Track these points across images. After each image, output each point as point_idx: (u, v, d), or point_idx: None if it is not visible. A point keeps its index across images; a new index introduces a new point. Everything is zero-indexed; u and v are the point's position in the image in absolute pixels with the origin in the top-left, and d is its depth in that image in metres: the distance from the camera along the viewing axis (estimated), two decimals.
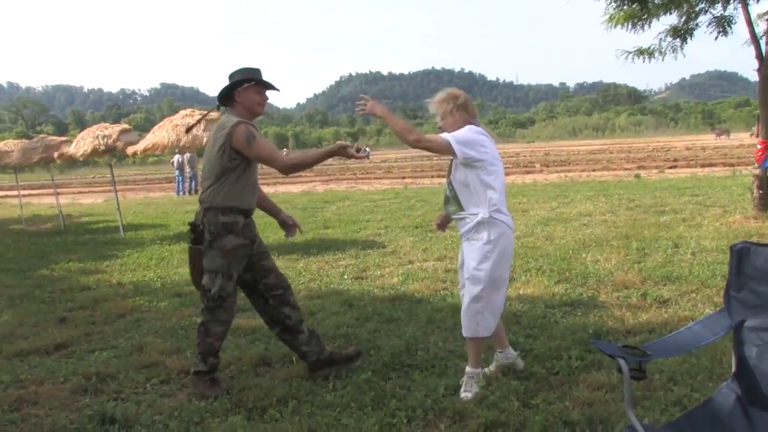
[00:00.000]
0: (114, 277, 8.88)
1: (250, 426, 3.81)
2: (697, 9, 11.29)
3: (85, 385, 4.62)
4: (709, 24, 11.36)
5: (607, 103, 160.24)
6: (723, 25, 11.29)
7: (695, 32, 11.53)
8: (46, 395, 4.48)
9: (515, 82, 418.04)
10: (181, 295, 7.48)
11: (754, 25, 10.55)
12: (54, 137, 17.52)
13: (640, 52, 11.91)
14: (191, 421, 3.92)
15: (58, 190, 19.87)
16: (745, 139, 59.54)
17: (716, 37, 11.37)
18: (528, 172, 30.37)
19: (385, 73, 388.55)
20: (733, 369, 2.78)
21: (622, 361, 2.42)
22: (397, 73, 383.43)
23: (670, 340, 2.81)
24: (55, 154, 14.85)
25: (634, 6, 10.91)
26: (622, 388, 2.50)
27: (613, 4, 11.12)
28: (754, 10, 10.91)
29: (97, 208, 22.93)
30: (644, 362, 2.48)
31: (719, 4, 11.17)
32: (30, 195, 31.98)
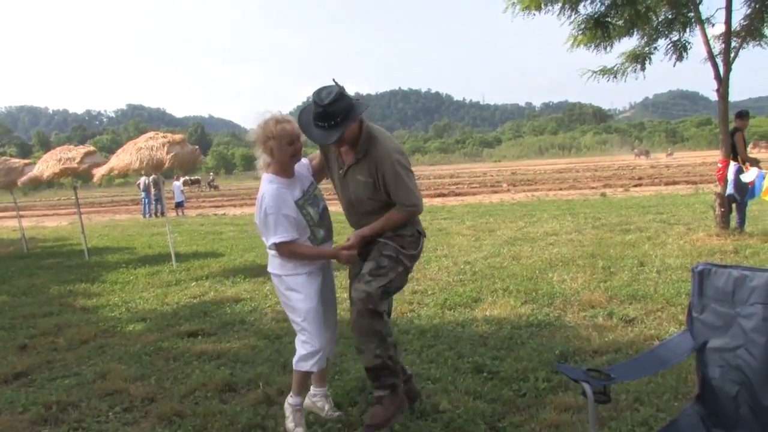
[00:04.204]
0: (78, 302, 8.73)
1: None
2: (655, 34, 11.55)
3: (45, 415, 4.52)
4: (667, 49, 11.64)
5: (573, 123, 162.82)
6: (680, 50, 11.58)
7: (653, 57, 11.80)
8: (3, 426, 4.37)
9: (482, 102, 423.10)
10: (146, 319, 7.38)
11: (711, 46, 10.78)
12: (17, 159, 17.25)
13: (604, 71, 12.12)
14: None
15: (21, 212, 19.56)
16: (661, 159, 62.20)
17: (674, 64, 11.71)
18: (495, 192, 30.62)
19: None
20: (697, 390, 2.79)
21: (586, 386, 2.43)
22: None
23: (634, 363, 2.83)
24: (19, 181, 14.61)
25: (597, 31, 11.11)
26: (588, 410, 2.49)
27: (578, 29, 11.30)
28: (711, 31, 11.16)
29: (61, 231, 22.62)
30: (609, 386, 2.49)
31: (677, 30, 11.45)
32: None
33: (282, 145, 3.68)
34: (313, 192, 3.93)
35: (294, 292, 3.84)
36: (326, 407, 4.18)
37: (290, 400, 3.97)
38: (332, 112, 3.53)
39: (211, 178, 61.86)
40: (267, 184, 3.77)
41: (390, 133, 4.08)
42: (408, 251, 3.96)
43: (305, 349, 3.84)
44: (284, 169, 3.79)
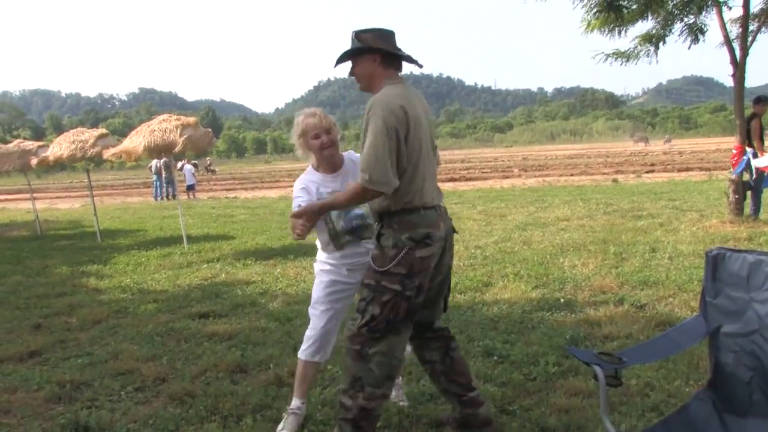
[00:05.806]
0: (90, 283, 8.78)
1: None
2: (670, 18, 11.41)
3: (59, 393, 4.57)
4: (682, 32, 11.50)
5: (585, 108, 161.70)
6: (695, 32, 11.43)
7: (668, 39, 11.66)
8: (18, 404, 4.41)
9: (493, 87, 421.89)
10: (157, 301, 7.42)
11: (728, 29, 10.65)
12: (31, 142, 17.30)
13: (617, 54, 12.02)
14: (166, 429, 3.88)
15: (35, 195, 19.64)
16: (659, 145, 62.32)
17: (689, 46, 11.53)
18: (506, 177, 30.50)
19: None
20: (709, 375, 2.78)
21: (597, 369, 2.42)
22: None
23: (646, 347, 2.81)
24: (33, 161, 14.65)
25: (610, 15, 10.99)
26: (599, 394, 2.49)
27: (590, 12, 11.18)
28: (728, 15, 11.03)
29: (74, 213, 22.73)
30: (620, 369, 2.48)
31: (692, 13, 11.30)
32: (6, 200, 31.67)
33: (308, 139, 3.63)
34: None
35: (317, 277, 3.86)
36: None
37: (292, 403, 3.83)
38: (353, 39, 3.32)
39: (208, 162, 61.85)
40: (303, 174, 3.76)
41: None
42: (393, 271, 3.16)
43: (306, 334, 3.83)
44: (320, 162, 3.70)
